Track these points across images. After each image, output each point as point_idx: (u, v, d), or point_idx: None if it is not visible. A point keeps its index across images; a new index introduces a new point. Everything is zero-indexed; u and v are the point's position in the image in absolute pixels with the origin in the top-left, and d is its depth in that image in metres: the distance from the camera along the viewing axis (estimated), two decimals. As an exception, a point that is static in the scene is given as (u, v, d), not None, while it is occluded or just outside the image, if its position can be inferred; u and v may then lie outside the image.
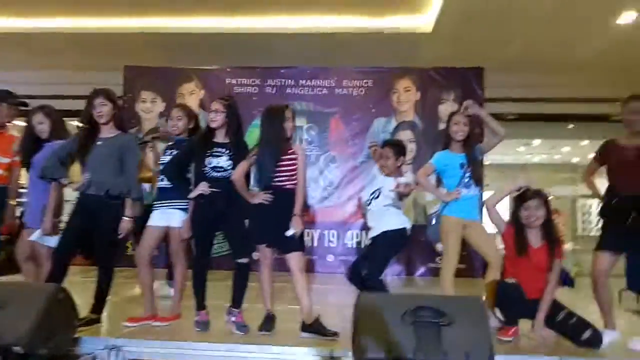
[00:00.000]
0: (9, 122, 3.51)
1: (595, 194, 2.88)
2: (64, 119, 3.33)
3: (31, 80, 7.95)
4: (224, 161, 2.89)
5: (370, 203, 3.14)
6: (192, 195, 2.87)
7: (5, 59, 8.25)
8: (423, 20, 7.03)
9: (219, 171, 2.89)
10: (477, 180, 3.05)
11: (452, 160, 3.08)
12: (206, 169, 2.88)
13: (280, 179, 2.80)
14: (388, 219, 3.03)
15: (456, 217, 2.98)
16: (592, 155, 3.04)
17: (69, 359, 2.41)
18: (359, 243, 5.91)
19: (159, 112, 6.37)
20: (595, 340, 2.55)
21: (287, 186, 2.81)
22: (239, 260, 2.90)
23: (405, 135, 6.00)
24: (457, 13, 6.26)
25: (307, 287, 2.77)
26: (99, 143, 2.94)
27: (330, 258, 5.93)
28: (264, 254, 2.87)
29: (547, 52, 7.18)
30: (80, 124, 3.14)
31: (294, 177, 2.81)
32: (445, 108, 6.06)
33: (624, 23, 6.11)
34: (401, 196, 3.00)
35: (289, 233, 2.70)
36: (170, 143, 3.19)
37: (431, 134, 5.93)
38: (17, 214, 3.45)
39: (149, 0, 6.46)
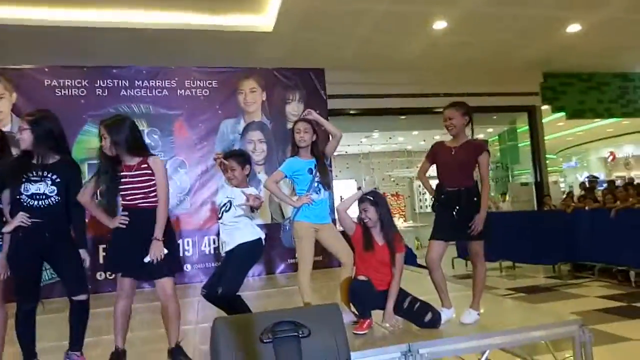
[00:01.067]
0: None
1: (428, 190, 3.17)
2: None
3: None
4: (45, 187, 2.48)
5: (221, 216, 3.01)
6: (7, 229, 2.41)
7: None
8: (264, 20, 7.06)
9: (39, 199, 2.47)
10: (326, 184, 3.12)
11: (300, 166, 3.10)
12: (22, 197, 2.44)
13: (133, 197, 2.51)
14: (242, 232, 2.94)
15: (308, 222, 3.02)
16: (422, 142, 3.34)
17: None
18: (216, 249, 5.71)
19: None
20: (435, 321, 2.82)
21: (141, 205, 2.52)
22: (76, 298, 2.55)
23: (256, 136, 5.96)
24: (295, 14, 6.40)
25: (177, 314, 2.55)
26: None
27: (187, 268, 5.62)
28: (121, 284, 2.56)
29: (379, 53, 7.81)
30: None
31: (150, 194, 2.54)
32: (292, 108, 6.18)
33: (437, 28, 6.91)
34: (252, 209, 2.93)
35: (146, 259, 2.43)
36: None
37: (281, 133, 5.98)
38: None
39: None
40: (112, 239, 2.59)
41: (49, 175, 2.50)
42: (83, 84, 5.65)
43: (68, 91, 5.61)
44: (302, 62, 7.23)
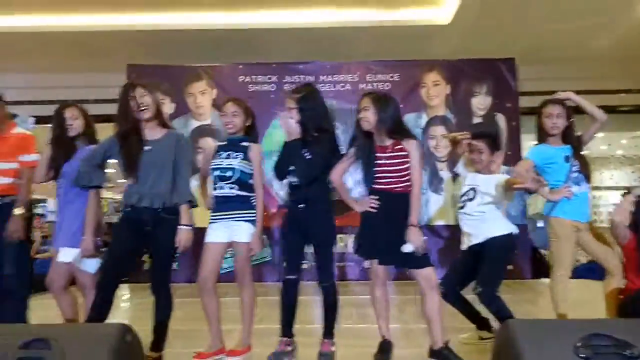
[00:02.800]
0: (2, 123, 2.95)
1: None
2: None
3: (24, 85, 7.32)
4: None
5: (464, 206, 2.73)
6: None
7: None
8: (441, 12, 6.74)
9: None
10: (587, 175, 2.68)
11: (554, 154, 2.70)
12: None
13: (387, 179, 2.37)
14: (492, 224, 2.63)
15: (568, 219, 2.61)
16: None
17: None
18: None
19: (168, 114, 5.84)
20: None
21: (395, 189, 2.38)
22: (322, 284, 2.50)
23: (438, 131, 5.67)
24: (477, 3, 5.97)
25: (439, 308, 2.34)
26: (147, 148, 2.44)
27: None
28: (375, 271, 2.44)
29: (566, 44, 6.95)
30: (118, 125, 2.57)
31: (402, 178, 2.38)
32: (478, 101, 5.75)
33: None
34: (529, 191, 2.60)
35: (406, 249, 2.27)
36: (222, 143, 2.71)
37: (465, 128, 5.58)
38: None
39: None
40: (363, 224, 2.47)
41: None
42: (272, 79, 5.89)
43: (259, 87, 5.89)
44: (482, 55, 6.74)
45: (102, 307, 2.33)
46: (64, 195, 2.63)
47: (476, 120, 5.71)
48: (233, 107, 2.62)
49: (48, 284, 2.61)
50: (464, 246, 2.74)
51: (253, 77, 5.92)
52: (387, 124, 2.35)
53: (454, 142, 2.91)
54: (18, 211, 2.77)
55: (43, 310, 3.15)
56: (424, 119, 5.74)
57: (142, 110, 2.41)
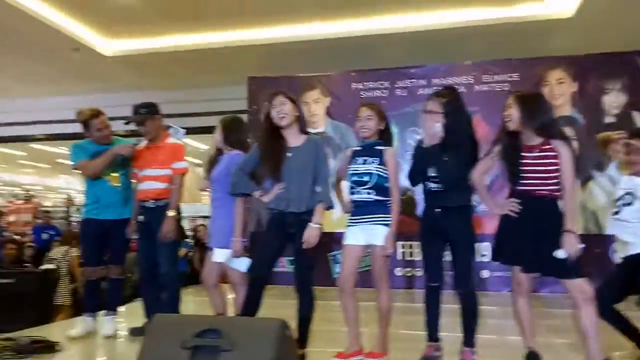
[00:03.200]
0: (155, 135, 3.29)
1: None
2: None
3: (163, 100, 8.18)
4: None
5: (619, 211, 2.55)
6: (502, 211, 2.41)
7: (124, 81, 8.60)
8: (562, 5, 6.30)
9: (434, 181, 2.51)
10: None
11: None
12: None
13: (532, 181, 2.31)
14: None
15: None
16: None
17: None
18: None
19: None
20: None
21: (540, 192, 2.30)
22: (460, 290, 2.49)
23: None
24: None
25: (596, 322, 2.23)
26: (289, 154, 2.62)
27: (483, 274, 5.33)
28: (517, 278, 2.39)
29: None
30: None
31: (549, 180, 2.29)
32: (611, 99, 5.28)
33: None
34: None
35: (560, 255, 2.19)
36: (357, 148, 2.80)
37: (595, 129, 5.16)
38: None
39: (265, 10, 6.37)
40: (502, 227, 2.42)
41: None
42: (385, 85, 5.94)
43: (372, 93, 5.97)
44: (609, 49, 6.19)
45: (253, 303, 2.54)
46: (215, 200, 2.91)
47: (609, 119, 5.25)
48: (367, 111, 2.70)
49: (203, 280, 2.91)
50: (620, 255, 2.55)
51: (365, 83, 6.02)
52: (533, 122, 2.28)
53: (605, 142, 2.73)
54: (171, 213, 3.12)
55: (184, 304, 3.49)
56: (548, 120, 5.41)
57: (282, 117, 2.57)
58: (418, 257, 5.49)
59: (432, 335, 2.54)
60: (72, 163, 3.25)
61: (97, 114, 3.25)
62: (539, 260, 2.26)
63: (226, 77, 7.40)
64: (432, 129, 2.49)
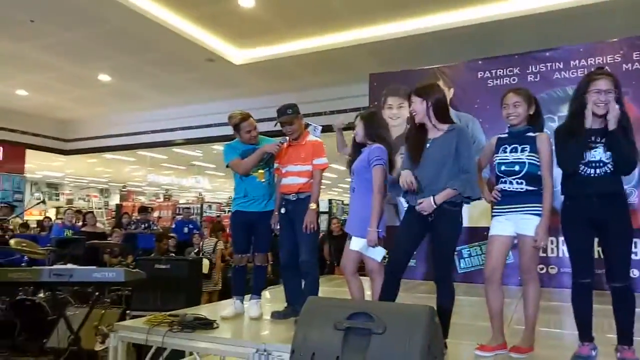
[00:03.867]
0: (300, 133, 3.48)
1: None
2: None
3: (274, 104, 8.67)
4: (600, 153, 2.30)
5: None
6: None
7: (250, 86, 9.22)
8: None
9: (595, 166, 2.31)
10: None
11: None
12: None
13: None
14: None
15: None
16: None
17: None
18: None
19: (406, 117, 6.11)
20: None
21: None
22: (616, 285, 2.27)
23: None
24: None
25: None
26: (427, 145, 2.62)
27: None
28: None
29: None
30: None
31: None
32: None
33: None
34: None
35: None
36: (503, 135, 2.69)
37: None
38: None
39: (374, 7, 6.39)
40: None
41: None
42: (514, 71, 5.59)
43: (500, 81, 5.65)
44: None
45: (389, 293, 2.58)
46: (354, 190, 2.99)
47: None
48: (514, 97, 2.59)
49: (342, 268, 3.02)
50: None
51: (492, 71, 5.71)
52: None
53: None
54: (313, 206, 3.28)
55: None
56: None
57: (414, 115, 2.65)
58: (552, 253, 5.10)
59: (586, 334, 2.34)
60: (226, 162, 3.58)
61: (246, 117, 3.53)
62: None
63: (347, 76, 7.57)
64: (613, 109, 2.28)
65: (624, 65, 5.08)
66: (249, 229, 3.49)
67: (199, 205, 14.84)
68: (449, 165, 2.54)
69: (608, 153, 2.33)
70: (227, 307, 3.51)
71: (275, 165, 3.56)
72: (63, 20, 6.73)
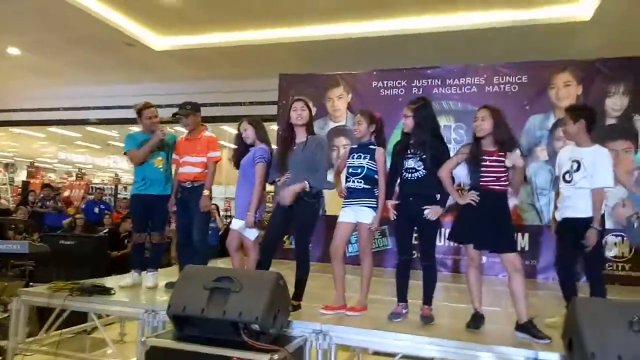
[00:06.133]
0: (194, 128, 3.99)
1: None
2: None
3: (193, 91, 8.99)
4: (414, 162, 3.05)
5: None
6: (463, 201, 2.95)
7: (170, 72, 9.45)
8: (580, 9, 6.58)
9: (410, 172, 3.07)
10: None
11: None
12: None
13: (487, 179, 2.87)
14: None
15: None
16: None
17: (285, 340, 2.71)
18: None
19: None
20: None
21: (492, 187, 2.86)
22: (425, 263, 3.06)
23: (566, 133, 5.66)
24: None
25: (524, 289, 2.78)
26: (294, 147, 3.30)
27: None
28: (470, 255, 2.96)
29: None
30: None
31: (501, 179, 2.86)
32: (613, 102, 5.60)
33: None
34: None
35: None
36: (354, 146, 3.41)
37: (597, 130, 5.48)
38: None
39: (296, 11, 6.97)
40: (462, 213, 2.97)
41: (419, 153, 3.06)
42: (402, 84, 6.44)
43: (390, 91, 6.49)
44: (624, 52, 6.43)
45: (262, 267, 3.23)
46: (240, 181, 3.59)
47: (610, 121, 5.58)
48: (359, 117, 3.34)
49: (227, 245, 3.62)
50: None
51: (384, 82, 6.52)
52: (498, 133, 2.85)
53: None
54: (206, 192, 3.83)
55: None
56: (552, 120, 5.78)
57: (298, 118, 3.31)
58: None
59: (403, 296, 3.13)
60: (124, 150, 4.01)
61: (148, 105, 3.99)
62: (485, 239, 2.82)
63: (265, 70, 8.06)
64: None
65: (486, 87, 6.10)
66: (146, 210, 3.96)
67: (113, 186, 14.66)
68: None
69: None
70: (126, 278, 3.97)
71: (174, 156, 4.04)
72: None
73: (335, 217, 3.33)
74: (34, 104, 11.82)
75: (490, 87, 6.10)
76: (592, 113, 3.24)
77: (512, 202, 5.69)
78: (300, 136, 3.34)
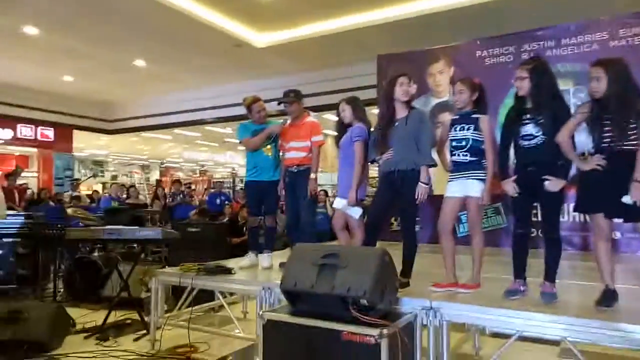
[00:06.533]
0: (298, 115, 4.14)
1: None
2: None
3: (295, 83, 9.30)
4: (532, 128, 2.83)
5: None
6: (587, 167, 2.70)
7: (273, 67, 9.87)
8: None
9: (527, 139, 2.86)
10: None
11: None
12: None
13: (612, 139, 2.58)
14: None
15: None
16: None
17: (394, 316, 2.71)
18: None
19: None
20: None
21: (621, 147, 2.56)
22: (550, 236, 2.83)
23: None
24: None
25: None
26: (396, 124, 3.26)
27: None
28: (598, 224, 2.69)
29: None
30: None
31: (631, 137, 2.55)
32: None
33: None
34: None
35: (625, 200, 2.47)
36: (455, 117, 3.27)
37: None
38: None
39: None
40: (587, 180, 2.70)
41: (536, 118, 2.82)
42: (510, 50, 5.98)
43: (496, 59, 6.07)
44: None
45: (370, 242, 3.27)
46: (341, 160, 3.66)
47: None
48: (459, 86, 3.18)
49: (333, 224, 3.72)
50: None
51: (489, 50, 6.12)
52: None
53: None
54: (313, 175, 3.97)
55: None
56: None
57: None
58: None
59: (521, 272, 2.94)
60: (239, 139, 4.30)
61: (257, 99, 4.23)
62: (613, 206, 2.53)
63: (358, 56, 8.08)
64: None
65: (610, 42, 5.42)
66: (260, 196, 4.21)
67: (231, 180, 15.81)
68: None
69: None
70: (244, 259, 4.28)
71: (280, 142, 4.23)
72: (100, 15, 7.55)
73: (443, 197, 3.23)
74: (158, 109, 13.21)
75: (616, 41, 5.39)
76: None
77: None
78: (401, 112, 3.28)
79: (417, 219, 3.44)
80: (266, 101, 4.37)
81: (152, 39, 8.62)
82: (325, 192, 8.43)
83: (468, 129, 3.11)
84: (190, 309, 3.85)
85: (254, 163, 4.20)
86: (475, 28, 7.26)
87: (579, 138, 2.89)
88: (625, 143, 2.55)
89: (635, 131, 2.53)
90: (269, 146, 4.20)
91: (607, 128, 2.60)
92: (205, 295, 4.39)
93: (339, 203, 3.59)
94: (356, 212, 3.52)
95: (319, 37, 8.26)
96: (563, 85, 5.64)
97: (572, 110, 2.89)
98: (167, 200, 9.49)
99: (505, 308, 2.66)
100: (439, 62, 6.49)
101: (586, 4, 6.62)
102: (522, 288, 2.91)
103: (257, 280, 3.64)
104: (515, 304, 2.72)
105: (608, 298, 2.63)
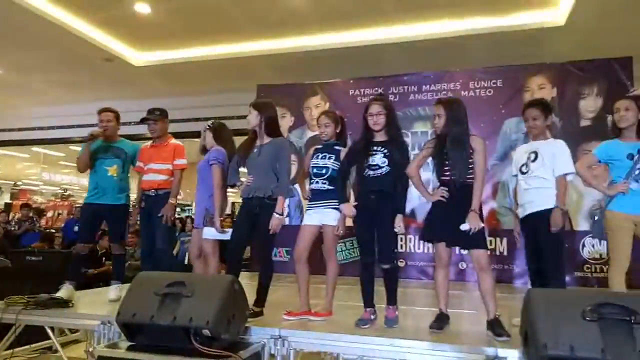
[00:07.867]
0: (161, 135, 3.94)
1: None
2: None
3: (173, 106, 8.93)
4: (378, 159, 2.95)
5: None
6: (432, 199, 2.86)
7: (149, 88, 9.41)
8: (554, 15, 6.62)
9: (374, 169, 2.96)
10: (651, 172, 2.75)
11: (617, 151, 2.83)
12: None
13: (453, 173, 2.78)
14: None
15: (623, 212, 2.72)
16: None
17: (241, 347, 2.58)
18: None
19: (288, 127, 6.72)
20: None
21: (466, 181, 2.76)
22: (385, 266, 2.93)
23: (542, 135, 5.64)
24: (595, 2, 5.80)
25: (493, 287, 2.69)
26: (255, 150, 3.22)
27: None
28: (439, 253, 2.85)
29: None
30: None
31: (470, 172, 2.77)
32: (588, 103, 5.59)
33: None
34: None
35: (463, 227, 2.65)
36: (319, 146, 3.34)
37: (571, 131, 5.48)
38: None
39: (273, 22, 6.98)
40: (432, 211, 2.89)
41: (383, 150, 2.95)
42: (379, 91, 6.40)
43: (366, 98, 6.41)
44: (596, 55, 6.46)
45: (231, 272, 3.10)
46: (198, 184, 3.51)
47: (584, 123, 5.56)
48: (324, 119, 3.25)
49: (189, 253, 3.51)
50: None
51: (361, 90, 6.51)
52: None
53: None
54: (172, 200, 3.73)
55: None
56: (527, 123, 5.76)
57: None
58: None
59: (369, 302, 3.00)
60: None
61: (103, 110, 3.96)
62: (452, 234, 2.73)
63: (238, 84, 8.05)
64: None
65: (462, 92, 6.09)
66: (96, 221, 3.84)
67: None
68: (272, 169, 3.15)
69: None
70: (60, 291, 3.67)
71: (138, 163, 3.94)
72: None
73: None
74: (14, 123, 11.72)
75: (466, 91, 6.09)
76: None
77: (489, 205, 5.68)
78: (262, 139, 3.27)
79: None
80: (137, 123, 4.08)
81: (17, 47, 7.71)
82: (192, 218, 8.09)
83: (329, 158, 3.18)
84: (11, 350, 3.30)
85: (94, 184, 3.81)
86: (351, 68, 7.69)
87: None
88: (467, 177, 2.77)
89: (471, 166, 2.78)
90: (114, 166, 3.85)
91: (447, 162, 2.82)
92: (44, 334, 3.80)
93: (196, 231, 3.40)
94: (212, 233, 3.34)
95: (201, 61, 8.07)
96: (422, 126, 6.24)
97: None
98: (13, 228, 8.31)
99: (350, 334, 2.68)
100: (316, 97, 6.74)
101: (446, 57, 7.37)
102: (372, 317, 2.97)
103: (96, 314, 3.25)
104: (360, 330, 2.77)
105: (440, 320, 2.80)
